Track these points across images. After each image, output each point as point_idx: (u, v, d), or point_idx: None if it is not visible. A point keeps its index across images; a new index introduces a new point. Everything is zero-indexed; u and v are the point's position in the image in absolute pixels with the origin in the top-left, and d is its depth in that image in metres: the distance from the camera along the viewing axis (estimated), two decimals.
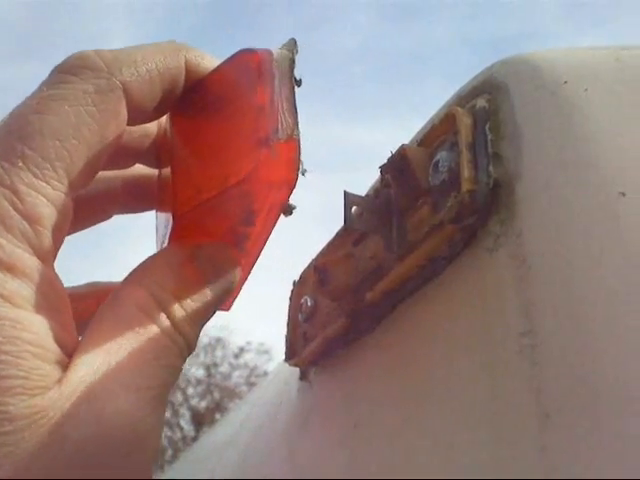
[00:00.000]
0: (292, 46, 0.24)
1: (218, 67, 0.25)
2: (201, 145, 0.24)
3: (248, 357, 7.73)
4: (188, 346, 0.23)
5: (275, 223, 0.25)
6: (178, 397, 7.35)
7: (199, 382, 7.63)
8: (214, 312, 0.25)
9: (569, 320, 0.19)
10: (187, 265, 0.24)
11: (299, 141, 0.23)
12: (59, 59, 0.23)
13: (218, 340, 7.72)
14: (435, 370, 0.23)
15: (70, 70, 0.22)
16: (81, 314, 0.23)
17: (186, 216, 0.24)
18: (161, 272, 0.23)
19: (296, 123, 0.23)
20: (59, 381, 0.20)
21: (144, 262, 0.24)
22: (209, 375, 7.69)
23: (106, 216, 0.29)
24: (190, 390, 7.57)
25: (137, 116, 0.24)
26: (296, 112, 0.23)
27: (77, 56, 0.23)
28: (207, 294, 0.24)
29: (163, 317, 0.22)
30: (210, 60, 0.25)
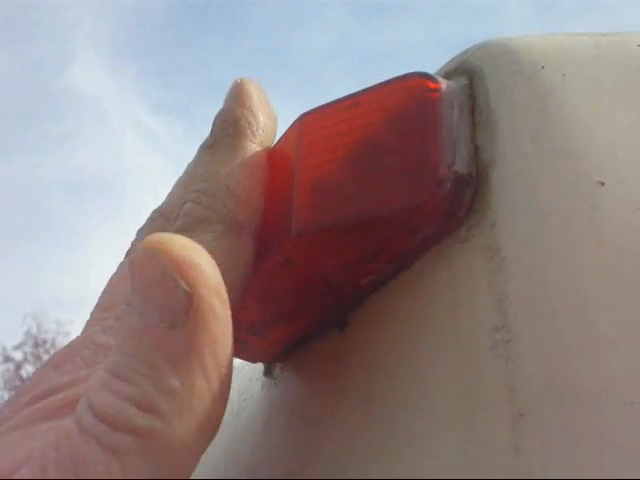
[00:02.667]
0: (469, 79, 0.23)
1: (371, 88, 0.23)
2: (340, 166, 0.23)
3: None
4: None
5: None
6: None
7: None
8: None
9: (545, 314, 0.18)
10: None
11: (474, 184, 0.21)
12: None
13: None
14: (404, 367, 0.22)
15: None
16: None
17: (304, 237, 0.23)
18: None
19: (473, 161, 0.21)
20: None
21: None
22: None
23: None
24: None
25: None
26: (476, 149, 0.21)
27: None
28: None
29: None
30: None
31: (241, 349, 0.24)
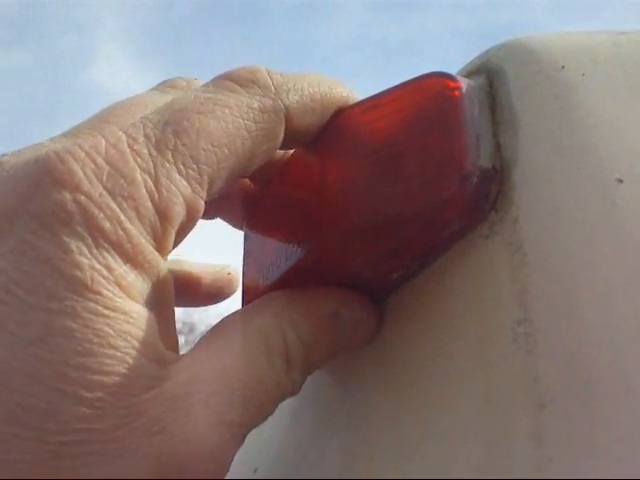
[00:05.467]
0: (490, 78, 0.23)
1: (391, 89, 0.23)
2: (366, 167, 0.23)
3: None
4: (291, 394, 0.23)
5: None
6: None
7: None
8: None
9: (565, 308, 0.18)
10: (327, 320, 0.24)
11: (499, 177, 0.21)
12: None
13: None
14: (428, 360, 0.23)
15: (238, 80, 0.22)
16: None
17: (332, 236, 0.23)
18: (301, 317, 0.23)
19: (497, 156, 0.22)
20: (158, 383, 0.19)
21: (287, 295, 0.24)
22: None
23: None
24: None
25: (291, 142, 0.24)
26: (498, 147, 0.22)
27: (249, 69, 0.23)
28: (331, 352, 0.24)
29: (282, 360, 0.22)
30: None
31: None
